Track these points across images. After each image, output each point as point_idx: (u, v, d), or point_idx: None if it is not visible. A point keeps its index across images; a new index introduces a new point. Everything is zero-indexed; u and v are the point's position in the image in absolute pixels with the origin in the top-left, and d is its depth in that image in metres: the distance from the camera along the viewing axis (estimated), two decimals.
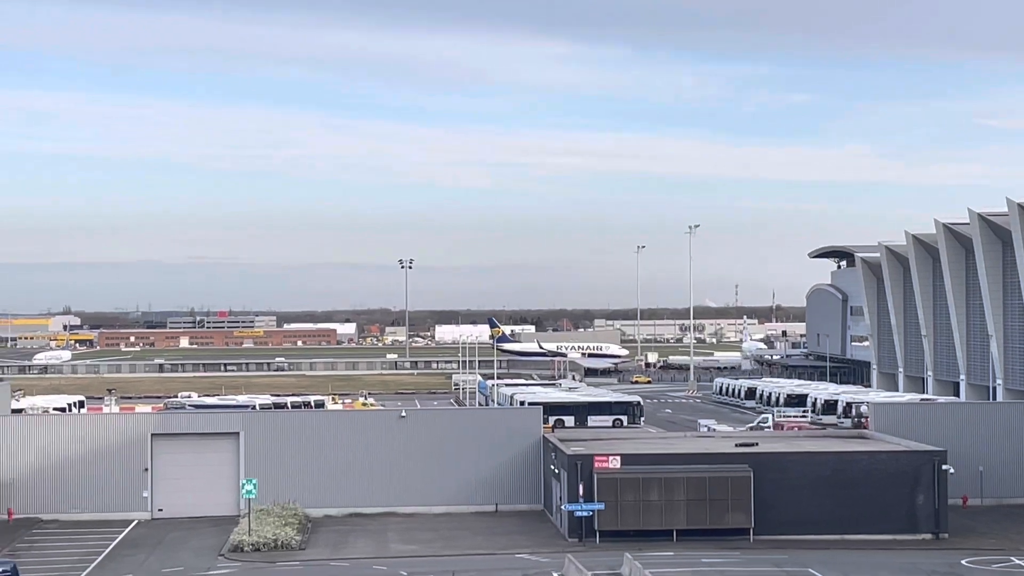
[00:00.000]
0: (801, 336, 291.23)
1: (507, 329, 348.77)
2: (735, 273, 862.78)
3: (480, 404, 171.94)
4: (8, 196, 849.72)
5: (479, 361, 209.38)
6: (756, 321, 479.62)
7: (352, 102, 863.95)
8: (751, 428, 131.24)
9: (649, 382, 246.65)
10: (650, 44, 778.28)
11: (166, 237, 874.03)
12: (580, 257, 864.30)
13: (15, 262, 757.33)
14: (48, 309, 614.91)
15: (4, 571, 69.02)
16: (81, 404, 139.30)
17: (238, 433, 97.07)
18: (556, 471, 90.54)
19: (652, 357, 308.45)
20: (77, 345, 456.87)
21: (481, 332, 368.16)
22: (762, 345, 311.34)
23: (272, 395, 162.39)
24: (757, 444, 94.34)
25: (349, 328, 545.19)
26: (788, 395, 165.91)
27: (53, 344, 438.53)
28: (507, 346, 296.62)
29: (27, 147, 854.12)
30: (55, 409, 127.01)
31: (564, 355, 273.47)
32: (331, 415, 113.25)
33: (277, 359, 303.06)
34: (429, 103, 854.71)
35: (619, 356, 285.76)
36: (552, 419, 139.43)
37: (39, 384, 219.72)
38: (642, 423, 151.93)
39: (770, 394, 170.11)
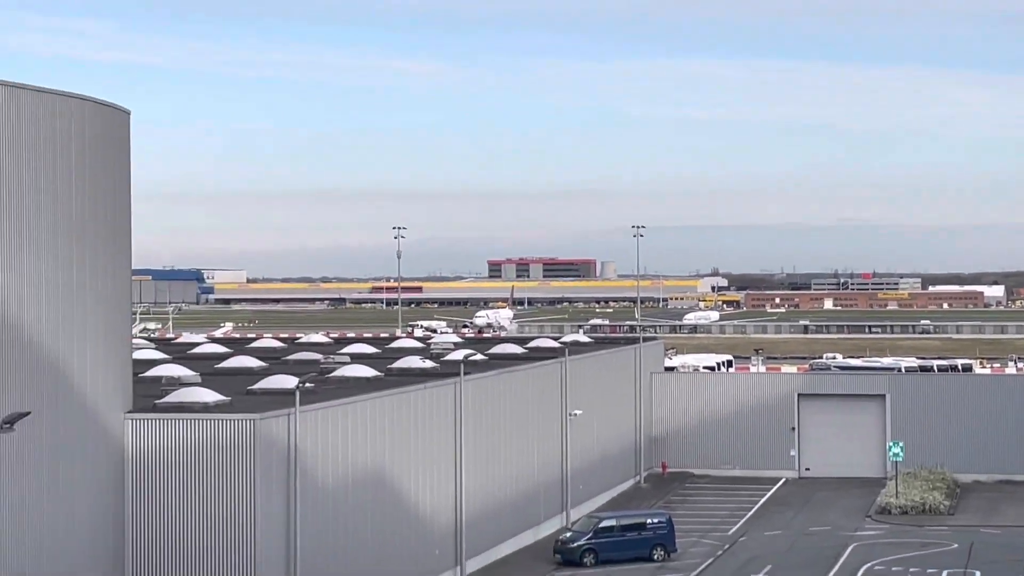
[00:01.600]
0: None
1: None
2: None
3: None
4: (661, 163, 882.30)
5: None
6: None
7: (1004, 58, 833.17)
8: None
9: None
10: None
11: (813, 199, 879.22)
12: None
13: (667, 225, 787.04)
14: (697, 271, 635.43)
15: (659, 522, 72.54)
16: (729, 363, 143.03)
17: (884, 395, 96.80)
18: None
19: None
20: (724, 306, 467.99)
21: None
22: None
23: (917, 358, 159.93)
24: None
25: (997, 291, 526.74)
26: None
27: (702, 305, 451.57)
28: None
29: (684, 113, 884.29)
30: (704, 367, 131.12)
31: None
32: (979, 379, 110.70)
33: (922, 321, 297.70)
34: None
35: None
36: None
37: (688, 343, 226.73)
38: None
39: None
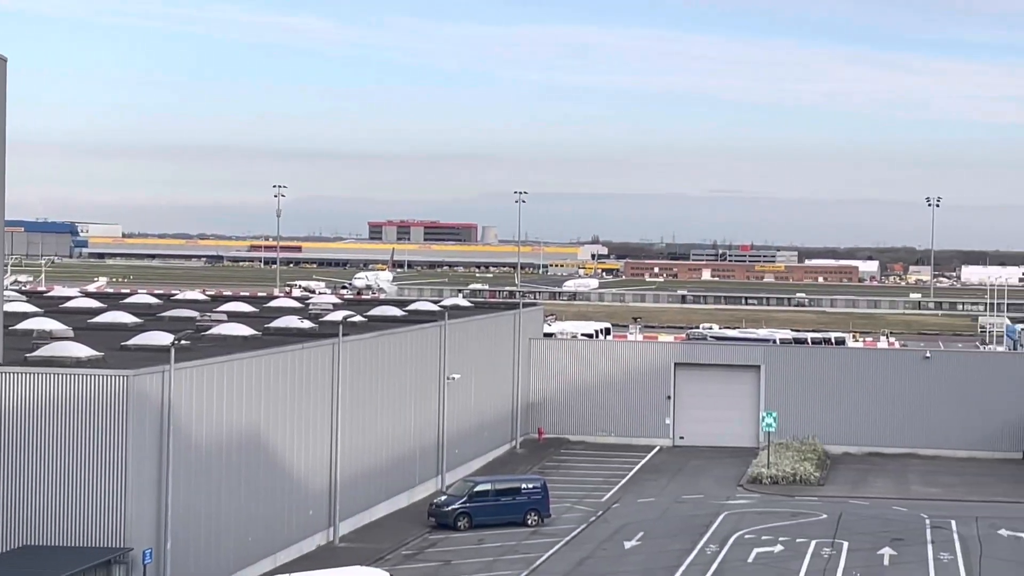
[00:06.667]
0: None
1: None
2: None
3: (1008, 349, 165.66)
4: (544, 129, 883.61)
5: (1008, 304, 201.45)
6: None
7: (886, 35, 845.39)
8: None
9: None
10: None
11: (693, 170, 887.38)
12: None
13: (549, 192, 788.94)
14: (577, 238, 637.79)
15: (534, 487, 72.73)
16: (607, 331, 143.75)
17: (759, 366, 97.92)
18: None
19: None
20: (604, 274, 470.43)
21: (1011, 274, 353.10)
22: None
23: (792, 330, 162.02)
24: None
25: (871, 266, 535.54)
26: None
27: (581, 272, 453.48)
28: None
29: (567, 80, 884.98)
30: (583, 335, 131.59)
31: None
32: (852, 352, 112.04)
33: (798, 294, 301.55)
34: (969, 37, 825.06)
35: None
36: None
37: (568, 310, 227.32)
38: None
39: None
